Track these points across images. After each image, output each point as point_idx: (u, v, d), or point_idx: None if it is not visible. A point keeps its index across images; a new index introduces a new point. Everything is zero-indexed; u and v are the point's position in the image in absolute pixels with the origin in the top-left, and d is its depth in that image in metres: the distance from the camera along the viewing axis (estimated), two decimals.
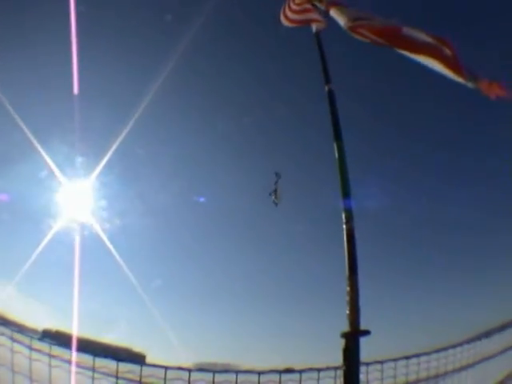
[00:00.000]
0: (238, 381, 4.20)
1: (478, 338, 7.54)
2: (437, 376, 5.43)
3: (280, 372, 4.34)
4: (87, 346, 4.87)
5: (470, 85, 3.55)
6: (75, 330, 5.82)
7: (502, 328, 7.79)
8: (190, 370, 4.28)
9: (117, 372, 3.95)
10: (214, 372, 4.73)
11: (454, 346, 6.71)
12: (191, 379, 4.37)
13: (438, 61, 3.52)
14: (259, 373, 4.01)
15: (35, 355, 4.87)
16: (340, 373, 3.23)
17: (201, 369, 5.43)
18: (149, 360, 4.82)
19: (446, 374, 5.76)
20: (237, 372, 4.31)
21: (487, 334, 7.60)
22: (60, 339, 4.82)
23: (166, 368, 4.30)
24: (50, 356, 4.60)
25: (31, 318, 6.33)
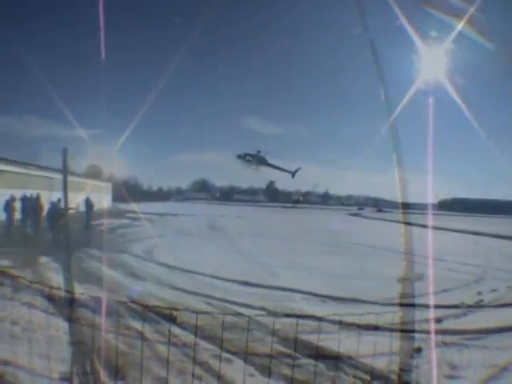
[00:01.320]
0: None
1: None
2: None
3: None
4: (113, 308, 5.17)
5: (501, 52, 3.42)
6: (104, 294, 6.42)
7: None
8: (249, 317, 4.31)
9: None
10: (275, 316, 4.94)
11: None
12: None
13: (471, 25, 3.45)
14: (319, 318, 4.10)
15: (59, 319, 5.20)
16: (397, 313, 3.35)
17: (264, 309, 5.72)
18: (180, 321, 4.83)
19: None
20: (298, 316, 4.42)
21: None
22: (88, 304, 5.26)
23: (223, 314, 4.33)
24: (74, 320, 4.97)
25: (57, 284, 7.04)
